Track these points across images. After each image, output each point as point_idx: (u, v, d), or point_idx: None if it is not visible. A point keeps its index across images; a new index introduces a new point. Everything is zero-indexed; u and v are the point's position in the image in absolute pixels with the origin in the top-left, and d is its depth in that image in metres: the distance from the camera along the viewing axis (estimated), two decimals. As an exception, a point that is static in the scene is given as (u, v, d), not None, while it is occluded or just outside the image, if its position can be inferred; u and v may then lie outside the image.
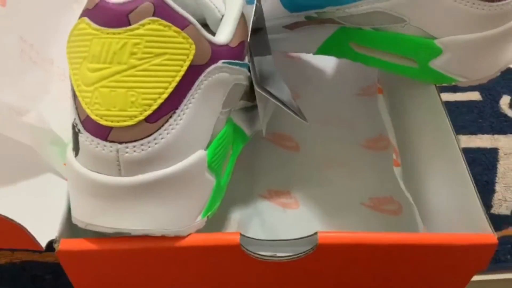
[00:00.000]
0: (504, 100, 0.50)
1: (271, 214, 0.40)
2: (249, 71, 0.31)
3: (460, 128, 0.47)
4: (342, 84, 0.48)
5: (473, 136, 0.46)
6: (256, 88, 0.33)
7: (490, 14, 0.28)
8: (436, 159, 0.33)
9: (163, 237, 0.24)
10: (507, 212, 0.41)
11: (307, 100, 0.48)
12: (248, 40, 0.30)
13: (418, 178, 0.37)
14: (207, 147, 0.26)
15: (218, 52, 0.25)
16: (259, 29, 0.35)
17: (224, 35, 0.27)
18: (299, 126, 0.45)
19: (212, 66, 0.24)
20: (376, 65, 0.36)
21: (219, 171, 0.27)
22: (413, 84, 0.36)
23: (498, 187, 0.42)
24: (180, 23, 0.23)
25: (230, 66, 0.26)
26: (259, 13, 0.35)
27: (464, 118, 0.48)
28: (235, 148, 0.34)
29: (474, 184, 0.28)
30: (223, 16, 0.29)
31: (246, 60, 0.31)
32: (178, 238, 0.25)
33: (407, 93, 0.39)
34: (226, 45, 0.27)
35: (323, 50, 0.39)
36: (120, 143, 0.22)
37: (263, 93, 0.33)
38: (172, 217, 0.24)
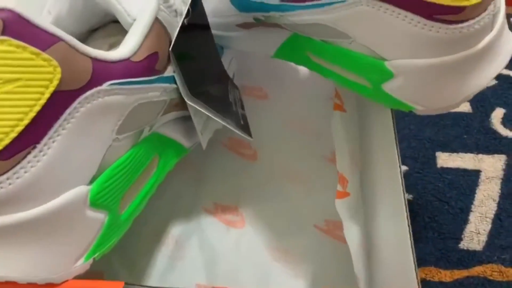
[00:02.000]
0: (497, 114, 0.44)
1: (213, 232, 0.36)
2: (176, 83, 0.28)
3: (442, 144, 0.42)
4: (315, 88, 0.44)
5: (455, 154, 0.42)
6: (187, 102, 0.29)
7: (447, 38, 0.23)
8: (379, 198, 0.29)
9: (33, 285, 0.21)
10: (479, 247, 0.36)
11: (276, 102, 0.44)
12: (171, 48, 0.26)
13: (366, 211, 0.33)
14: (92, 181, 0.22)
15: (105, 72, 0.21)
16: (201, 26, 0.31)
17: (125, 47, 0.23)
18: (259, 131, 0.41)
19: (92, 90, 0.21)
20: (332, 78, 0.31)
21: (113, 205, 0.24)
22: (369, 105, 0.31)
23: (472, 217, 0.38)
24: (43, 41, 0.19)
25: (126, 86, 0.22)
26: (198, 9, 0.31)
27: (448, 132, 0.43)
28: (164, 164, 0.31)
29: (412, 240, 0.23)
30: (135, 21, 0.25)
31: (169, 71, 0.27)
32: (50, 285, 0.22)
33: (362, 113, 0.34)
34: (126, 59, 0.23)
35: (280, 54, 0.35)
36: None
37: (196, 106, 0.29)
38: (40, 264, 0.21)
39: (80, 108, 0.20)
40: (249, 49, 0.37)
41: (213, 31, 0.36)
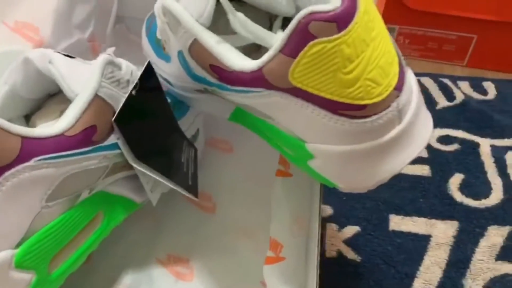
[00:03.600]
0: (455, 179, 0.45)
1: (162, 283, 0.38)
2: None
3: (396, 206, 0.43)
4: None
5: (408, 217, 0.43)
6: (134, 165, 0.31)
7: (353, 130, 0.25)
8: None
9: None
10: (419, 315, 0.37)
11: (240, 156, 0.46)
12: (114, 119, 0.29)
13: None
14: (19, 244, 0.24)
15: (34, 149, 0.24)
16: (153, 88, 0.34)
17: (60, 123, 0.26)
18: (221, 185, 0.43)
19: (18, 167, 0.23)
20: (276, 148, 0.33)
21: (41, 265, 0.26)
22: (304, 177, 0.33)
23: (416, 283, 0.39)
24: (-28, 125, 0.21)
25: (56, 160, 0.25)
26: (150, 76, 0.33)
27: (404, 195, 0.44)
28: (109, 221, 0.33)
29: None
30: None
31: (111, 139, 0.29)
32: None
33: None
34: (59, 135, 0.25)
35: (234, 119, 0.37)
36: None
37: (142, 170, 0.32)
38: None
39: (5, 183, 0.23)
40: (207, 111, 0.40)
41: (176, 90, 0.38)
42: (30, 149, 0.23)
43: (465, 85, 0.54)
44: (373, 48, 0.23)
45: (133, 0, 0.48)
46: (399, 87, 0.24)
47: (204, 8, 0.28)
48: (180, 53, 0.32)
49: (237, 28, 0.29)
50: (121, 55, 0.53)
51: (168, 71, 0.38)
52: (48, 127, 0.25)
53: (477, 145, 0.48)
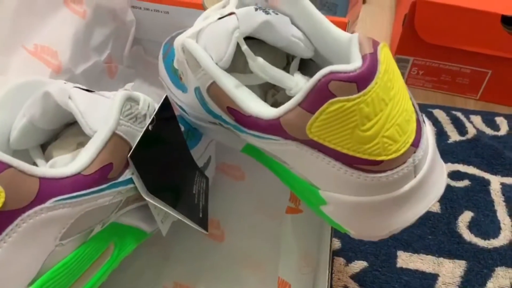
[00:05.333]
0: (465, 217, 0.45)
1: (169, 311, 0.38)
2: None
3: (404, 243, 0.43)
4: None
5: (416, 255, 0.43)
6: (147, 200, 0.31)
7: (368, 183, 0.25)
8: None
9: None
10: None
11: (251, 185, 0.46)
12: (129, 156, 0.29)
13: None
14: (32, 283, 0.24)
15: (52, 189, 0.24)
16: (168, 119, 0.34)
17: (77, 162, 0.26)
18: (232, 213, 0.43)
19: (37, 208, 0.23)
20: (289, 186, 0.33)
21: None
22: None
23: (422, 324, 0.39)
24: (-8, 169, 0.21)
25: (72, 200, 0.25)
26: (165, 107, 0.33)
27: (413, 231, 0.44)
28: (120, 251, 0.33)
29: None
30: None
31: (126, 174, 0.30)
32: None
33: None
34: (76, 174, 0.25)
35: (247, 151, 0.37)
36: None
37: (154, 203, 0.32)
38: None
39: (22, 224, 0.23)
40: (220, 141, 0.40)
41: (190, 118, 0.39)
42: (48, 190, 0.24)
43: (477, 120, 0.54)
44: (391, 106, 0.23)
45: (150, 24, 0.49)
46: (416, 143, 0.25)
47: (225, 52, 0.28)
48: (197, 89, 0.33)
49: (255, 71, 0.29)
50: (138, 76, 0.54)
51: (184, 101, 0.39)
52: (65, 167, 0.25)
53: (487, 182, 0.48)
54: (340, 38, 0.28)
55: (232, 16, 0.28)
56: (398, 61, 0.55)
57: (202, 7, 0.46)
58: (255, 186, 0.45)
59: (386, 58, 0.23)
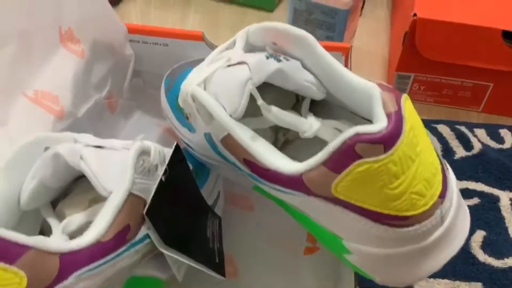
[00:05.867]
0: (477, 237, 0.45)
1: None
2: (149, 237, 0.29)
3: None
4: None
5: (432, 280, 0.42)
6: (164, 252, 0.31)
7: (394, 237, 0.24)
8: None
9: None
10: None
11: (261, 216, 0.45)
12: (145, 212, 0.28)
13: None
14: None
15: (72, 264, 0.23)
16: (181, 169, 0.33)
17: (94, 231, 0.25)
18: (243, 246, 0.43)
19: (58, 287, 0.22)
20: (309, 231, 0.32)
21: None
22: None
23: None
24: (13, 254, 0.21)
25: (92, 272, 0.24)
26: (177, 155, 0.33)
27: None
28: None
29: None
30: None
31: (142, 231, 0.29)
32: None
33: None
34: (94, 243, 0.25)
35: (259, 190, 0.37)
36: None
37: (171, 254, 0.31)
38: None
39: (44, 304, 0.22)
40: (231, 178, 0.39)
41: (197, 155, 0.38)
42: (68, 266, 0.23)
43: (481, 133, 0.54)
44: (418, 162, 0.23)
45: (149, 56, 0.48)
46: (442, 194, 0.24)
47: (239, 104, 0.27)
48: (208, 135, 0.32)
49: (270, 119, 0.28)
50: (138, 108, 0.53)
51: (192, 140, 0.38)
52: (82, 237, 0.24)
53: (497, 198, 0.48)
54: (352, 83, 0.27)
55: (244, 66, 0.28)
56: (399, 77, 0.55)
57: (202, 39, 0.45)
58: (264, 217, 0.45)
59: (410, 114, 0.22)
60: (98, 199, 0.30)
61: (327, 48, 0.28)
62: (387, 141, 0.21)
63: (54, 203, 0.32)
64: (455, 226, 0.26)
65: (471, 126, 0.54)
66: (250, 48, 0.32)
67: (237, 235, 0.44)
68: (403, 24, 0.52)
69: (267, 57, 0.28)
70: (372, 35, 0.64)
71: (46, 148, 0.30)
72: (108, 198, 0.26)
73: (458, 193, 0.26)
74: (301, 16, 0.55)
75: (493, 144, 0.53)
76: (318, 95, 0.30)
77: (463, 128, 0.54)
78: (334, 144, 0.22)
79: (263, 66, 0.27)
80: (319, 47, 0.29)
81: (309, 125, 0.28)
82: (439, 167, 0.24)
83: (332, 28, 0.55)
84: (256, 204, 0.46)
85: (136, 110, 0.52)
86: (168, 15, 0.66)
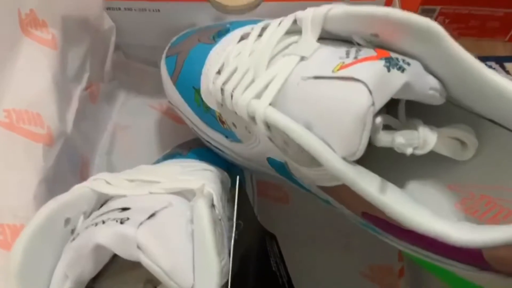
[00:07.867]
0: None
1: None
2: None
3: None
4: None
5: None
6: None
7: None
8: None
9: None
10: None
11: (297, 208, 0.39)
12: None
13: None
14: None
15: None
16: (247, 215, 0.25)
17: None
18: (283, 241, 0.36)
19: None
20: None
21: None
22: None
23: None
24: None
25: None
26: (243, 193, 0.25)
27: None
28: None
29: None
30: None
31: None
32: None
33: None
34: None
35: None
36: None
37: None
38: None
39: None
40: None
41: (231, 159, 0.30)
42: None
43: (511, 66, 0.48)
44: None
45: (134, 26, 0.37)
46: None
47: (358, 143, 0.19)
48: (279, 164, 0.24)
49: (382, 145, 0.20)
50: (122, 87, 0.42)
51: (229, 147, 0.30)
52: None
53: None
54: (499, 86, 0.20)
55: (358, 85, 0.19)
56: (422, 11, 0.47)
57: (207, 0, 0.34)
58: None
59: None
60: (155, 280, 0.21)
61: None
62: None
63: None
64: None
65: (500, 60, 0.48)
66: (325, 35, 0.23)
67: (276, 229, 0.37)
68: None
69: (388, 67, 0.19)
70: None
71: (67, 222, 0.21)
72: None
73: None
74: None
75: (526, 79, 0.48)
76: (438, 101, 0.22)
77: (492, 63, 0.48)
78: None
79: (387, 84, 0.19)
80: (448, 40, 0.20)
81: (423, 139, 0.21)
82: None
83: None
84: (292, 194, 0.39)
85: (119, 90, 0.41)
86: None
